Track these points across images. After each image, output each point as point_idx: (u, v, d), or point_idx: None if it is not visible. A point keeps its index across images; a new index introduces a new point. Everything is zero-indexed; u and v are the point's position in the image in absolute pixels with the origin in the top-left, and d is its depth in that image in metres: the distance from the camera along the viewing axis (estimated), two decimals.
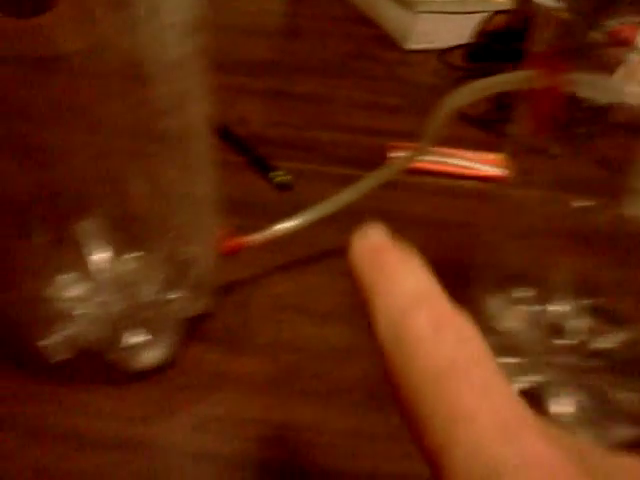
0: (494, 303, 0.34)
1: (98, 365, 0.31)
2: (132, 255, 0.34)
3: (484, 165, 0.49)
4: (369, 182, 0.35)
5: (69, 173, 0.30)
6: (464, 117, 0.56)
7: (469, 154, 0.50)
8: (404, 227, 0.42)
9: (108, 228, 0.33)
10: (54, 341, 0.32)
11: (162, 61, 0.24)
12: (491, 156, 0.50)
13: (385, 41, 0.68)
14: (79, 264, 0.34)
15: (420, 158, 0.48)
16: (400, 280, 0.15)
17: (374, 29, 0.70)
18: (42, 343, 0.31)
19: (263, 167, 0.47)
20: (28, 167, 0.30)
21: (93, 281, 0.34)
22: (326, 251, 0.40)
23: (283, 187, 0.45)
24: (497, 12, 0.65)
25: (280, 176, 0.46)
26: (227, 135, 0.49)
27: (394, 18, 0.66)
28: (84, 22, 0.25)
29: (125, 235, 0.34)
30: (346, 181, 0.47)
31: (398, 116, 0.56)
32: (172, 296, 0.34)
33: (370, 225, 0.17)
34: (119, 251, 0.34)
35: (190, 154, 0.29)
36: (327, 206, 0.36)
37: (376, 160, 0.49)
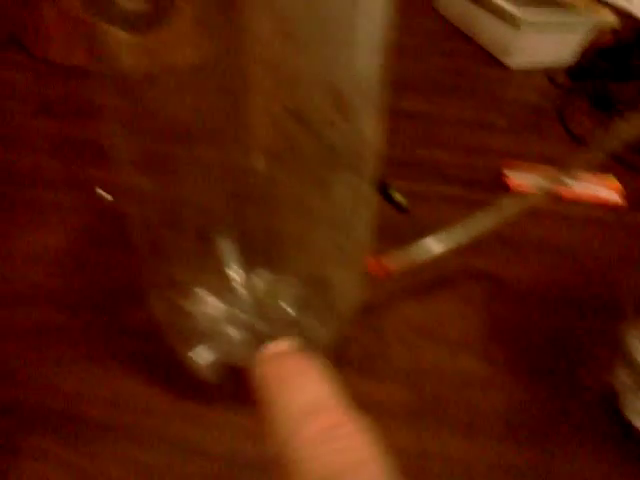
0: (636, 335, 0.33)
1: (241, 384, 0.32)
2: (274, 275, 0.35)
3: (603, 188, 0.48)
4: (510, 209, 0.35)
5: (209, 190, 0.31)
6: (571, 135, 0.55)
7: (584, 175, 0.49)
8: (522, 251, 0.42)
9: (250, 246, 0.34)
10: (198, 359, 0.33)
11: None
12: (609, 178, 0.49)
13: (485, 58, 0.67)
14: (220, 281, 0.35)
15: (537, 180, 0.48)
16: (297, 391, 0.17)
17: (472, 45, 0.69)
18: (188, 360, 0.32)
19: (381, 187, 0.47)
20: (169, 183, 0.31)
21: (234, 299, 0.35)
22: (452, 276, 0.40)
23: (401, 208, 0.45)
24: (604, 28, 0.64)
25: (398, 197, 0.46)
26: None
27: (496, 35, 0.66)
28: (199, 37, 0.26)
29: (267, 254, 0.35)
30: (462, 202, 0.47)
31: (506, 135, 0.55)
32: (311, 318, 0.34)
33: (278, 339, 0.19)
34: (261, 270, 0.35)
35: (353, 177, 0.29)
36: (464, 232, 0.36)
37: (491, 181, 0.49)
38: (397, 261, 0.35)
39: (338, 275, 0.33)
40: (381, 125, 0.28)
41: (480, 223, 0.37)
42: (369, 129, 0.28)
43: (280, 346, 0.19)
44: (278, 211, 0.33)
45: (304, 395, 0.16)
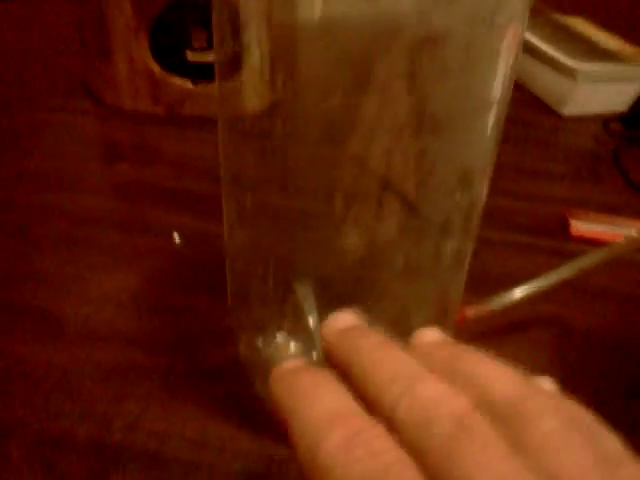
0: None
1: None
2: None
3: None
4: (593, 259, 0.35)
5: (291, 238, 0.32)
6: (630, 184, 0.55)
7: None
8: (590, 299, 0.42)
9: (331, 293, 0.34)
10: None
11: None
12: None
13: (538, 106, 0.68)
14: (298, 326, 0.35)
15: (601, 228, 0.48)
16: (316, 402, 0.16)
17: (524, 93, 0.70)
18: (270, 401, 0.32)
19: None
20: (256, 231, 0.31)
21: (312, 343, 0.35)
22: (523, 322, 0.40)
23: None
24: None
25: None
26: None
27: (551, 85, 0.67)
28: (263, 86, 0.26)
29: (348, 302, 0.35)
30: (529, 249, 0.47)
31: (566, 182, 0.56)
32: None
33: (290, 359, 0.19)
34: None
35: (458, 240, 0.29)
36: (544, 281, 0.36)
37: (555, 229, 0.49)
38: (475, 309, 0.36)
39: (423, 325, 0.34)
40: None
41: (559, 274, 0.37)
42: (482, 195, 0.29)
43: (295, 362, 0.19)
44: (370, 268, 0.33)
45: (323, 405, 0.16)
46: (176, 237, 0.45)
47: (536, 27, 0.71)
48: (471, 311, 0.35)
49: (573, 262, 0.36)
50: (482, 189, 0.28)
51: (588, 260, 0.35)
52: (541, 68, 0.68)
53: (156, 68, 0.59)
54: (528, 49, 0.70)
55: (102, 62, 0.61)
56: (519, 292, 0.35)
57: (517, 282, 0.37)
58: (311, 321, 0.35)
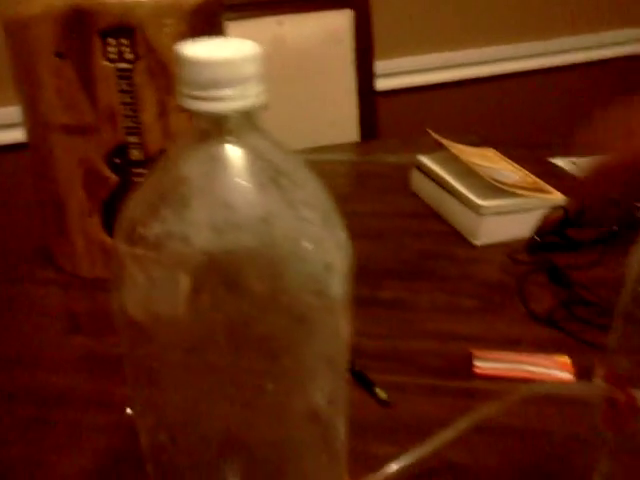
0: None
1: None
2: None
3: (556, 369, 0.56)
4: (489, 410, 0.41)
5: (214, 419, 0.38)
6: (531, 314, 0.63)
7: (543, 359, 0.57)
8: (492, 438, 0.48)
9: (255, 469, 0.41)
10: None
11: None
12: (563, 359, 0.57)
13: (457, 237, 0.77)
14: None
15: (502, 365, 0.56)
16: None
17: (444, 226, 0.79)
18: None
19: (365, 383, 0.54)
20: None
21: None
22: (432, 469, 0.46)
23: (384, 403, 0.53)
24: (554, 207, 0.73)
25: (379, 391, 0.53)
26: None
27: (462, 218, 0.76)
28: None
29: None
30: (437, 392, 0.54)
31: (473, 317, 0.63)
32: None
33: None
34: None
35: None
36: (445, 435, 0.42)
37: (462, 369, 0.56)
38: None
39: None
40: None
41: (465, 422, 0.43)
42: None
43: None
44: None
45: None
46: (129, 411, 0.52)
47: (448, 164, 0.81)
48: None
49: (471, 413, 0.42)
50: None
51: (486, 411, 0.41)
52: (454, 202, 0.77)
53: (109, 240, 0.67)
54: (441, 184, 0.79)
55: (61, 237, 0.68)
56: (394, 465, 0.42)
57: (426, 429, 0.43)
58: None
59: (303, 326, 0.27)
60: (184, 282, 0.25)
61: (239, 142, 0.25)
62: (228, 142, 0.25)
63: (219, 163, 0.25)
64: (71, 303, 0.67)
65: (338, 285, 0.28)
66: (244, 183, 0.24)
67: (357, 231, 0.81)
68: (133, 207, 0.27)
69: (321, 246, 0.26)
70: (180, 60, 0.24)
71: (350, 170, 1.02)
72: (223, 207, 0.24)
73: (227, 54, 0.23)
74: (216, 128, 0.25)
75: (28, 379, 0.56)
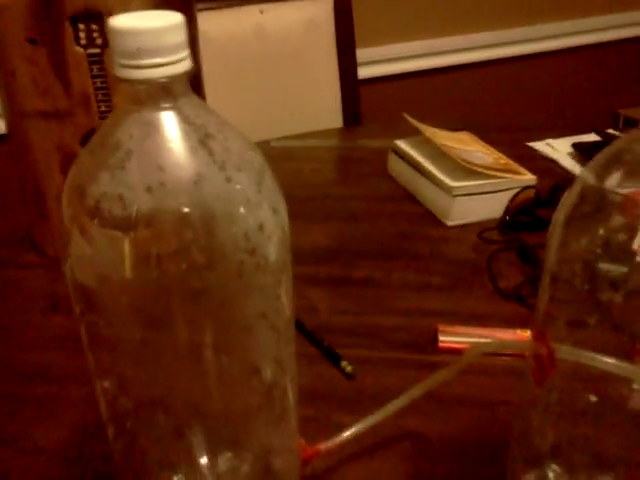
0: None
1: None
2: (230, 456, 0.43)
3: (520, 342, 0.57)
4: (441, 376, 0.43)
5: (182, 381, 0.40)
6: (499, 291, 0.65)
7: (505, 333, 0.58)
8: (448, 408, 0.50)
9: (211, 432, 0.42)
10: None
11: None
12: (525, 333, 0.58)
13: (430, 218, 0.78)
14: (189, 464, 0.43)
15: (465, 340, 0.57)
16: None
17: (419, 207, 0.81)
18: None
19: (332, 357, 0.56)
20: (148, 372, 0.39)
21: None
22: (389, 438, 0.48)
23: (350, 376, 0.54)
24: (524, 188, 0.75)
25: (345, 365, 0.55)
26: (299, 326, 0.59)
27: (435, 199, 0.77)
28: None
29: (225, 439, 0.43)
30: (402, 365, 0.56)
31: (443, 295, 0.65)
32: None
33: None
34: (219, 453, 0.43)
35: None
36: (399, 402, 0.44)
37: (427, 343, 0.58)
38: (335, 443, 0.44)
39: (279, 462, 0.42)
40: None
41: (419, 389, 0.44)
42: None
43: None
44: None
45: None
46: None
47: (423, 148, 0.82)
48: (321, 446, 0.43)
49: (430, 377, 0.44)
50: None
51: (444, 374, 0.43)
52: (428, 184, 0.78)
53: None
54: (416, 167, 0.81)
55: (42, 222, 0.70)
56: (349, 432, 0.43)
57: (388, 400, 0.44)
58: (202, 461, 0.43)
59: (238, 282, 0.28)
60: (123, 244, 0.27)
61: (171, 107, 0.26)
62: (161, 108, 0.26)
63: (152, 127, 0.26)
64: (52, 285, 0.68)
65: (273, 246, 0.29)
66: (175, 146, 0.26)
67: (334, 214, 0.84)
68: (76, 173, 0.29)
69: (252, 207, 0.28)
70: (112, 32, 0.25)
71: (332, 155, 1.04)
72: (156, 169, 0.26)
73: (154, 24, 0.25)
74: (148, 95, 0.26)
75: (6, 356, 0.58)
